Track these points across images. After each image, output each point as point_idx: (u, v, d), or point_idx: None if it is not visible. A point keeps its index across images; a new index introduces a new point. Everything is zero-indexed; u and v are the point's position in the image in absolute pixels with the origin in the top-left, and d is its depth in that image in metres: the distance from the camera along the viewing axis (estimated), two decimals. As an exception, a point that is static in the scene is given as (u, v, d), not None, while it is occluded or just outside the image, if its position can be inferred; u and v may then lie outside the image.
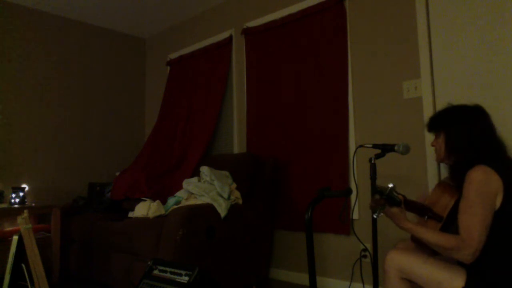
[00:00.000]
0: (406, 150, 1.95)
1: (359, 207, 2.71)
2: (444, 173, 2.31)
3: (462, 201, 1.46)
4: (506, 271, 1.41)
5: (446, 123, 1.65)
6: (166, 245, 2.42)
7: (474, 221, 1.39)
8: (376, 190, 1.60)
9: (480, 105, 1.62)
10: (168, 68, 4.41)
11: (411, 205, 1.70)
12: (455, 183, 1.61)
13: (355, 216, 2.71)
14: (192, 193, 2.85)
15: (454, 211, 1.55)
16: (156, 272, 1.93)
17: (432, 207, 1.67)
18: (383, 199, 1.58)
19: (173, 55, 4.36)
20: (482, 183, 1.41)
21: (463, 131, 1.57)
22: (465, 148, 1.56)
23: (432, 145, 1.72)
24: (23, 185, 3.52)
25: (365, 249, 2.60)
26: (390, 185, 1.59)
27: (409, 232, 1.58)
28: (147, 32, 4.65)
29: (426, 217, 1.67)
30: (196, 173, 3.18)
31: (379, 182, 2.53)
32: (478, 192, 1.41)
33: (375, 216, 1.68)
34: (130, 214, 3.06)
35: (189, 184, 2.88)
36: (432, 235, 1.49)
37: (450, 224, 1.60)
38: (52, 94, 3.95)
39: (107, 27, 4.44)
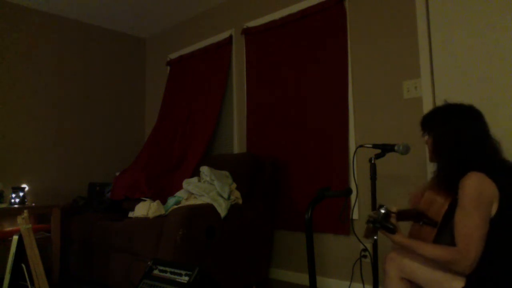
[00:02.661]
0: (406, 150, 1.95)
1: (359, 207, 2.71)
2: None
3: (457, 210, 1.43)
4: (504, 277, 1.39)
5: (433, 124, 1.60)
6: (166, 245, 2.42)
7: (471, 232, 1.36)
8: (368, 220, 1.55)
9: (474, 105, 1.56)
10: (168, 68, 4.41)
11: (405, 215, 1.66)
12: (442, 186, 1.56)
13: (355, 216, 2.71)
14: (192, 193, 2.85)
15: (449, 213, 1.53)
16: (156, 272, 1.93)
17: (427, 211, 1.62)
18: (376, 228, 1.54)
19: (173, 55, 4.36)
20: (477, 192, 1.38)
21: (450, 133, 1.52)
22: (451, 150, 1.51)
23: (426, 143, 1.67)
24: (23, 185, 3.52)
25: (365, 249, 2.59)
26: (382, 211, 1.53)
27: (405, 247, 1.53)
28: (147, 32, 4.65)
29: (421, 222, 1.65)
30: (196, 173, 3.18)
31: (379, 182, 2.53)
32: (473, 201, 1.38)
33: (369, 243, 1.66)
34: (130, 214, 3.06)
35: (189, 184, 2.88)
36: (428, 250, 1.44)
37: (444, 228, 1.57)
38: (52, 94, 3.95)
39: (107, 27, 4.44)
